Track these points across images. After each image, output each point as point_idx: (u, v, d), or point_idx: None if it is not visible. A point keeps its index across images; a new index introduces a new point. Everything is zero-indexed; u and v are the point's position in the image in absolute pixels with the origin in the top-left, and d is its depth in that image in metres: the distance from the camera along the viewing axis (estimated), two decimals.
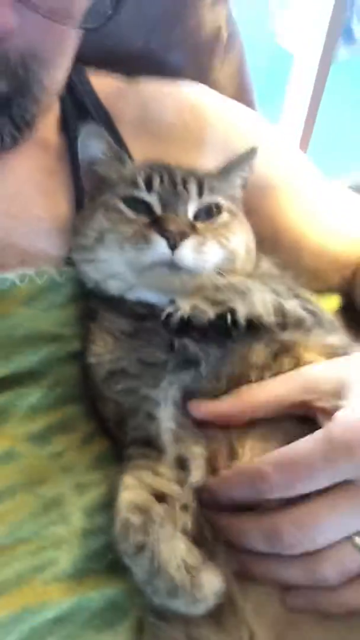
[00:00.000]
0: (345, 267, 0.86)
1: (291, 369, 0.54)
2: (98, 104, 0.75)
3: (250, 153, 0.66)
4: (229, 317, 0.52)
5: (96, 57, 0.79)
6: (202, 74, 0.92)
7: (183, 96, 0.78)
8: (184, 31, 0.89)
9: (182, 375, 0.55)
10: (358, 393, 0.49)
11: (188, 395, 0.55)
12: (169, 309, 0.52)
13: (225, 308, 0.53)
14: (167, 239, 0.54)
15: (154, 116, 0.76)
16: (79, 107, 0.74)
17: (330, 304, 0.87)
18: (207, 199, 0.60)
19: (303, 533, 0.46)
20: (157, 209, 0.58)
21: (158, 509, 0.49)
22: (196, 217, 0.59)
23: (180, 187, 0.59)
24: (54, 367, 0.61)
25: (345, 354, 0.56)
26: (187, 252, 0.54)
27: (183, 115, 0.76)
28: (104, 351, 0.59)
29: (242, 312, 0.53)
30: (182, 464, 0.53)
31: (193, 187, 0.59)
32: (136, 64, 0.86)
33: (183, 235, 0.54)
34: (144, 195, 0.59)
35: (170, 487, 0.52)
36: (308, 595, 0.48)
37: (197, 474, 0.52)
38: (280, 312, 0.56)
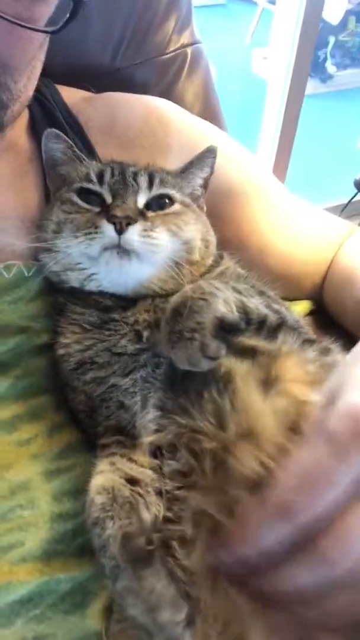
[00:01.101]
0: (315, 274, 0.89)
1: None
2: (67, 112, 0.78)
3: (209, 152, 0.69)
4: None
5: (64, 75, 0.82)
6: (167, 92, 0.96)
7: (150, 106, 0.82)
8: (150, 50, 0.93)
9: (157, 367, 0.56)
10: (344, 379, 0.46)
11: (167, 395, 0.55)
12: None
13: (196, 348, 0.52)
14: (114, 224, 0.57)
15: (122, 123, 0.79)
16: (48, 114, 0.76)
17: (300, 308, 0.90)
18: (158, 190, 0.63)
19: (349, 547, 0.41)
20: (108, 199, 0.61)
21: (124, 491, 0.49)
22: (148, 207, 0.62)
23: (130, 179, 0.62)
24: (22, 358, 0.61)
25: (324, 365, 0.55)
26: (133, 236, 0.57)
27: (150, 122, 0.79)
28: (72, 342, 0.60)
29: (213, 344, 0.51)
30: (157, 452, 0.54)
31: (143, 180, 0.62)
32: (103, 81, 0.90)
33: (129, 220, 0.57)
34: (95, 187, 0.62)
35: (144, 472, 0.52)
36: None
37: (171, 462, 0.52)
38: (242, 309, 0.57)
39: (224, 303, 0.55)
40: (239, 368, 0.55)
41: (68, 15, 0.57)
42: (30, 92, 0.69)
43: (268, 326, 0.59)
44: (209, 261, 0.65)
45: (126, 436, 0.56)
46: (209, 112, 1.00)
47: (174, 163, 0.77)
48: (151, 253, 0.58)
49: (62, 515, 0.53)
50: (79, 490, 0.55)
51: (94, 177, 0.63)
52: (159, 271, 0.59)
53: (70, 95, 0.81)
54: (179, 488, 0.52)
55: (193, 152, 0.74)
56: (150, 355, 0.57)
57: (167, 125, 0.80)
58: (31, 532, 0.51)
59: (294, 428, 0.49)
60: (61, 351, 0.60)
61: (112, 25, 0.88)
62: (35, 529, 0.51)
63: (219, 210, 0.79)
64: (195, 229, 0.63)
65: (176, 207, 0.63)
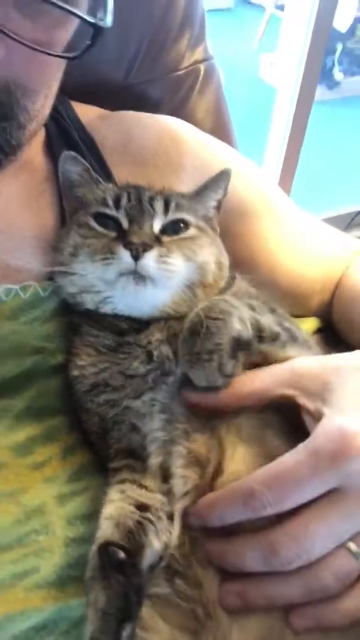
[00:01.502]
0: (323, 291, 0.89)
1: None
2: (82, 130, 0.78)
3: (223, 175, 0.70)
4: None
5: (78, 91, 0.82)
6: (179, 108, 0.97)
7: (164, 125, 0.82)
8: (163, 66, 0.93)
9: (166, 386, 0.57)
10: (341, 399, 0.51)
11: (176, 402, 0.56)
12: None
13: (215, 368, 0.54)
14: (130, 250, 0.57)
15: (136, 142, 0.79)
16: (64, 132, 0.77)
17: (307, 326, 0.90)
18: (174, 215, 0.63)
19: (298, 546, 0.46)
20: (125, 224, 0.62)
21: (129, 520, 0.50)
22: (163, 231, 0.62)
23: (146, 205, 0.62)
24: (37, 379, 0.62)
25: None
26: (149, 262, 0.57)
27: (164, 142, 0.80)
28: (87, 364, 0.61)
29: (230, 364, 0.55)
30: (166, 475, 0.54)
31: (159, 204, 0.63)
32: (116, 97, 0.90)
33: (145, 247, 0.57)
34: (112, 212, 0.63)
35: (154, 497, 0.53)
36: (311, 612, 0.48)
37: (180, 483, 0.53)
38: (257, 326, 0.58)
39: (239, 321, 0.57)
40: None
41: (89, 42, 0.58)
42: (47, 111, 0.69)
43: (279, 344, 0.60)
44: (222, 283, 0.66)
45: (136, 459, 0.56)
46: (220, 128, 1.01)
47: (186, 182, 0.78)
48: (166, 278, 0.58)
49: (75, 540, 0.54)
50: (92, 514, 0.55)
51: (110, 202, 0.63)
52: (174, 295, 0.60)
53: (85, 112, 0.81)
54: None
55: (205, 172, 0.75)
56: (159, 374, 0.58)
57: (181, 145, 0.80)
58: (46, 557, 0.51)
59: None
60: (75, 372, 0.61)
61: (128, 41, 0.88)
62: (50, 555, 0.52)
63: (230, 230, 0.79)
64: (210, 253, 0.64)
65: (191, 231, 0.64)
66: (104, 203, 0.63)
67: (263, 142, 2.02)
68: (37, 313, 0.63)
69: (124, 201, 0.63)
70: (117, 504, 0.51)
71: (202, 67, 0.97)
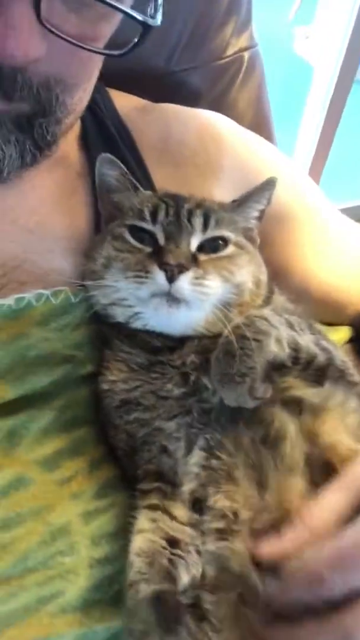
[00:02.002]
0: (357, 301, 0.86)
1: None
2: (120, 123, 0.75)
3: (269, 184, 0.66)
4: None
5: (116, 77, 0.79)
6: (220, 99, 0.92)
7: (205, 123, 0.78)
8: (207, 54, 0.89)
9: (203, 413, 0.56)
10: None
11: (213, 438, 0.55)
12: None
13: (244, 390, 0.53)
14: (166, 271, 0.55)
15: (175, 140, 0.76)
16: (101, 125, 0.74)
17: (340, 335, 0.88)
18: (212, 232, 0.60)
19: None
20: (161, 239, 0.59)
21: (162, 557, 0.49)
22: (201, 249, 0.59)
23: (184, 220, 0.59)
24: (66, 389, 0.60)
25: None
26: (184, 284, 0.55)
27: (204, 141, 0.76)
28: (118, 380, 0.59)
29: (261, 387, 0.53)
30: (199, 506, 0.53)
31: (198, 220, 0.59)
32: (156, 85, 0.86)
33: (181, 268, 0.55)
34: (148, 226, 0.60)
35: (184, 531, 0.52)
36: None
37: (214, 520, 0.52)
38: (294, 345, 0.56)
39: (276, 342, 0.55)
40: (290, 428, 0.54)
41: (136, 39, 0.54)
42: (84, 103, 0.66)
43: (315, 365, 0.58)
44: (259, 301, 0.63)
45: (167, 483, 0.55)
46: (260, 121, 0.96)
47: (224, 184, 0.75)
48: (201, 301, 0.56)
49: (100, 561, 0.53)
50: (117, 533, 0.55)
51: (147, 215, 0.60)
52: (208, 315, 0.58)
53: (124, 103, 0.78)
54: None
55: (244, 172, 0.73)
56: (195, 400, 0.56)
57: (222, 144, 0.77)
58: (71, 580, 0.51)
59: None
60: (105, 386, 0.59)
61: (171, 27, 0.83)
62: (74, 577, 0.51)
63: (267, 235, 0.76)
64: (248, 272, 0.61)
65: (230, 249, 0.61)
66: (141, 216, 0.60)
67: (294, 120, 1.94)
68: (67, 320, 0.61)
69: (161, 215, 0.60)
70: (147, 537, 0.50)
71: (246, 55, 0.92)
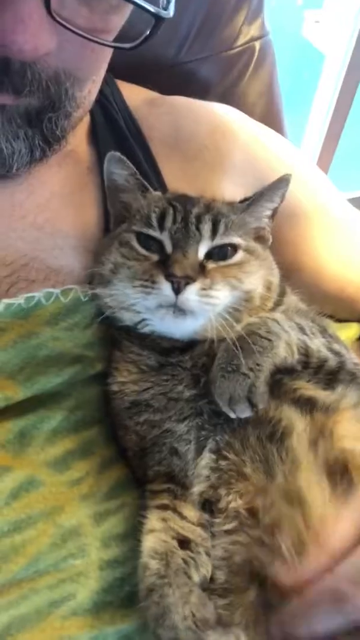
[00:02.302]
0: None
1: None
2: (129, 117, 0.73)
3: (282, 182, 0.64)
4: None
5: (124, 68, 0.77)
6: (231, 90, 0.90)
7: (217, 118, 0.77)
8: (217, 44, 0.87)
9: (213, 415, 0.55)
10: None
11: (222, 439, 0.54)
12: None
13: (247, 389, 0.52)
14: (172, 282, 0.54)
15: (186, 135, 0.74)
16: (110, 119, 0.72)
17: (350, 332, 0.87)
18: (221, 239, 0.58)
19: None
20: (168, 247, 0.57)
21: (177, 557, 0.49)
22: (209, 256, 0.58)
23: (192, 227, 0.58)
24: (76, 389, 0.60)
25: None
26: (190, 296, 0.54)
27: (215, 138, 0.75)
28: (128, 381, 0.59)
29: (261, 389, 0.52)
30: (209, 507, 0.53)
31: (206, 227, 0.58)
32: (165, 76, 0.85)
33: (187, 280, 0.54)
34: (155, 233, 0.58)
35: (195, 531, 0.52)
36: None
37: (224, 522, 0.52)
38: (304, 351, 0.56)
39: (286, 346, 0.54)
40: (298, 425, 0.54)
41: (148, 32, 0.53)
42: (93, 96, 0.65)
43: (326, 370, 0.58)
44: (270, 303, 0.62)
45: (177, 484, 0.55)
46: (271, 112, 0.94)
47: (235, 179, 0.74)
48: (207, 311, 0.55)
49: (110, 563, 0.53)
50: (127, 534, 0.55)
51: (154, 222, 0.59)
52: (215, 322, 0.56)
53: (133, 95, 0.76)
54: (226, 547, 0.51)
55: (255, 167, 0.72)
56: (206, 402, 0.56)
57: (233, 139, 0.75)
58: (82, 582, 0.51)
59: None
60: (115, 388, 0.59)
61: (182, 17, 0.81)
62: (85, 579, 0.51)
63: (279, 230, 0.75)
64: (258, 277, 0.59)
65: (239, 256, 0.59)
66: (148, 222, 0.59)
67: (301, 105, 1.90)
68: (77, 318, 0.61)
69: (169, 221, 0.58)
70: (158, 536, 0.50)
71: (257, 45, 0.90)
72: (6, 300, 0.59)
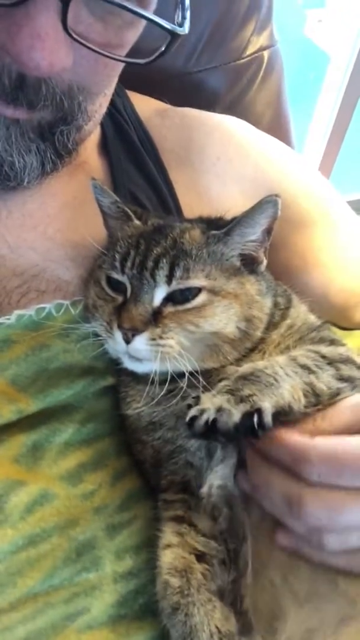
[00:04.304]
0: None
1: None
2: (141, 128, 0.74)
3: (268, 204, 0.58)
4: (255, 418, 0.48)
5: (133, 76, 0.77)
6: (239, 99, 0.91)
7: (228, 131, 0.77)
8: (226, 53, 0.87)
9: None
10: None
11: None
12: (193, 412, 0.49)
13: (251, 406, 0.48)
14: (122, 332, 0.54)
15: (198, 148, 0.74)
16: (121, 130, 0.73)
17: (356, 341, 0.87)
18: (178, 284, 0.56)
19: (326, 514, 0.46)
20: (128, 291, 0.57)
21: (197, 573, 0.50)
22: (171, 298, 0.56)
23: (146, 274, 0.56)
24: (87, 401, 0.60)
25: None
26: (139, 345, 0.54)
27: (227, 151, 0.75)
28: (142, 406, 0.59)
29: (269, 410, 0.48)
30: (218, 513, 0.53)
31: (161, 273, 0.55)
32: (173, 85, 0.85)
33: (135, 331, 0.54)
34: (118, 276, 0.58)
35: (209, 544, 0.52)
36: (297, 542, 0.49)
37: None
38: (312, 393, 0.52)
39: (292, 390, 0.51)
40: None
41: (163, 48, 0.53)
42: (104, 108, 0.65)
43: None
44: (258, 333, 0.59)
45: (191, 495, 0.55)
46: (279, 122, 0.95)
47: (247, 192, 0.74)
48: (161, 357, 0.54)
49: (124, 576, 0.53)
50: (140, 546, 0.55)
51: (117, 264, 0.58)
52: (182, 359, 0.55)
53: (143, 106, 0.76)
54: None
55: (267, 182, 0.72)
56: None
57: (245, 153, 0.76)
58: (96, 596, 0.51)
59: None
60: (130, 412, 0.59)
61: (192, 27, 0.81)
62: (99, 593, 0.51)
63: (286, 239, 0.76)
64: (224, 318, 0.56)
65: (200, 299, 0.56)
66: (113, 264, 0.58)
67: (304, 105, 1.88)
68: (87, 330, 0.61)
69: (129, 264, 0.57)
70: (176, 552, 0.51)
71: (265, 54, 0.90)
72: (18, 312, 0.59)
